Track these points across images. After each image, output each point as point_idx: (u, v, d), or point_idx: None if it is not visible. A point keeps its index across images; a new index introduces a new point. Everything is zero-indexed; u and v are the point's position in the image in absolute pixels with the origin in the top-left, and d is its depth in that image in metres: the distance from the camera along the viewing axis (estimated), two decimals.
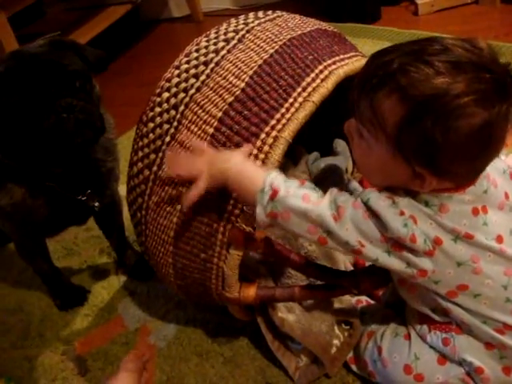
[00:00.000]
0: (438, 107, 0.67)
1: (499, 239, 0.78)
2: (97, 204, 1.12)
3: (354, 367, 1.00)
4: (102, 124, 1.01)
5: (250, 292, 0.94)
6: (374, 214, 0.75)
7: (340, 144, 1.28)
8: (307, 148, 1.32)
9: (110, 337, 1.21)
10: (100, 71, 1.08)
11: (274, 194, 0.77)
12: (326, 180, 1.24)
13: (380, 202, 0.75)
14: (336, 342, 1.00)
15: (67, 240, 1.51)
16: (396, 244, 0.75)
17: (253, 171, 0.81)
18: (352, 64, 0.92)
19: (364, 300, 1.07)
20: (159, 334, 1.19)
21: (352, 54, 0.96)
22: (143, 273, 1.33)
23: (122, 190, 1.10)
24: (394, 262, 0.77)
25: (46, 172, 1.04)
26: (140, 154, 0.95)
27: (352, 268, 1.12)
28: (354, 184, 1.25)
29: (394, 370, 0.90)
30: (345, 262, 1.12)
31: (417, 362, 0.88)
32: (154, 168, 0.93)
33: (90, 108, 0.98)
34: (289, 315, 0.98)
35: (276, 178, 0.79)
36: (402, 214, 0.74)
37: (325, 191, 1.14)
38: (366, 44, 2.19)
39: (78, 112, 0.94)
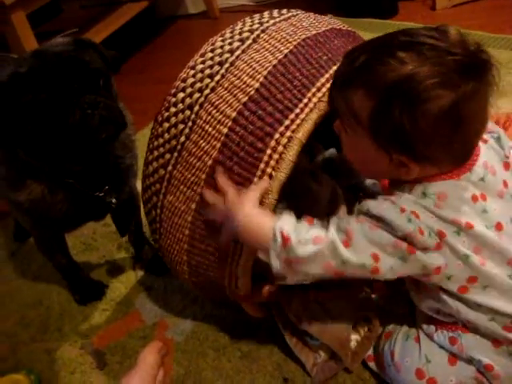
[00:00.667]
0: (403, 94, 0.69)
1: (499, 226, 0.78)
2: (114, 200, 1.13)
3: (372, 365, 1.00)
4: (123, 120, 1.02)
5: (263, 290, 0.94)
6: (379, 220, 0.75)
7: None
8: (324, 144, 1.32)
9: (128, 331, 1.23)
10: (114, 71, 1.09)
11: (285, 242, 0.78)
12: (340, 172, 1.24)
13: (379, 205, 0.76)
14: (356, 336, 1.01)
15: (86, 235, 1.52)
16: (409, 244, 0.74)
17: (260, 221, 0.82)
18: None
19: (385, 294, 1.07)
20: (176, 328, 1.20)
21: None
22: (160, 268, 1.33)
23: (140, 185, 1.11)
24: (409, 268, 0.77)
25: (65, 169, 1.05)
26: (155, 153, 0.95)
27: None
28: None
29: (406, 375, 0.90)
30: None
31: (428, 366, 0.88)
32: (169, 168, 0.94)
33: (112, 105, 0.99)
34: (305, 312, 0.99)
35: (284, 225, 0.79)
36: (403, 210, 0.74)
37: (341, 184, 1.14)
38: None
39: (101, 108, 0.95)
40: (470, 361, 0.86)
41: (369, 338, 0.99)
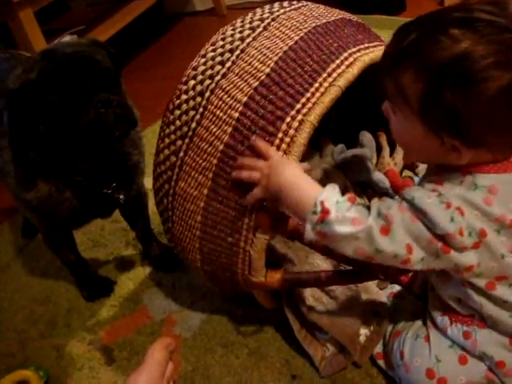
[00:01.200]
0: (456, 74, 0.66)
1: None
2: (122, 197, 1.13)
3: (381, 363, 0.99)
4: (134, 118, 1.03)
5: (276, 276, 0.94)
6: (421, 213, 0.72)
7: (366, 136, 1.27)
8: (333, 141, 1.31)
9: (136, 327, 1.22)
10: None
11: (324, 215, 0.74)
12: (350, 168, 1.24)
13: (425, 199, 0.73)
14: (366, 331, 1.00)
15: (94, 232, 1.52)
16: (445, 244, 0.72)
17: (306, 186, 0.80)
18: (377, 52, 0.91)
19: (396, 292, 1.06)
20: (184, 324, 1.20)
21: (377, 43, 0.96)
22: (168, 264, 1.34)
23: (148, 182, 1.11)
24: (440, 264, 0.75)
25: (75, 167, 1.05)
26: (166, 140, 0.96)
27: None
28: (379, 175, 1.24)
29: (416, 375, 0.88)
30: None
31: (438, 365, 0.86)
32: (181, 154, 0.94)
33: (124, 102, 1.00)
34: (316, 304, 0.98)
35: (327, 198, 0.76)
36: (448, 206, 0.71)
37: (350, 180, 1.13)
38: (390, 36, 2.16)
39: (115, 106, 0.96)
40: (481, 358, 0.84)
41: (378, 333, 0.99)
